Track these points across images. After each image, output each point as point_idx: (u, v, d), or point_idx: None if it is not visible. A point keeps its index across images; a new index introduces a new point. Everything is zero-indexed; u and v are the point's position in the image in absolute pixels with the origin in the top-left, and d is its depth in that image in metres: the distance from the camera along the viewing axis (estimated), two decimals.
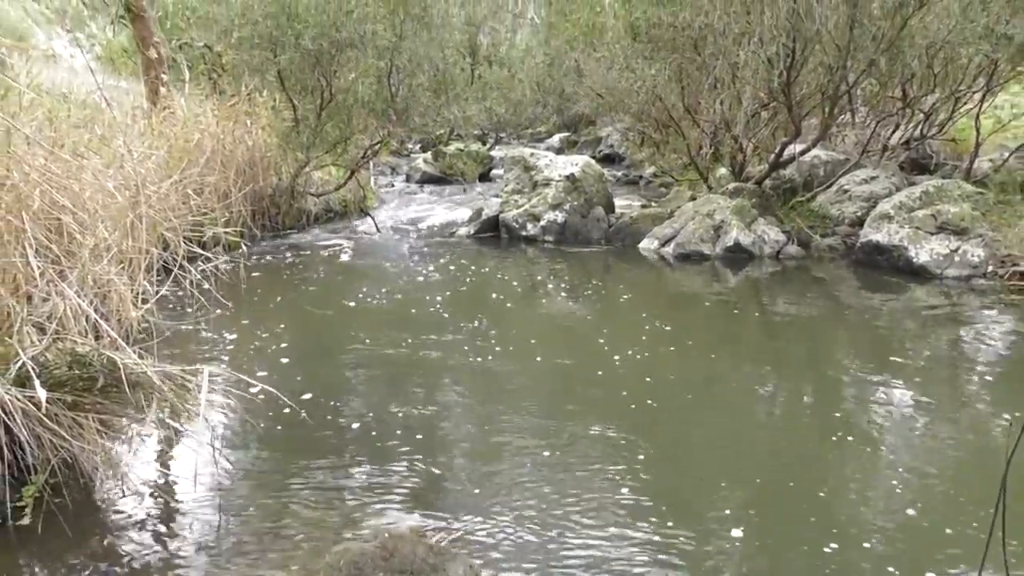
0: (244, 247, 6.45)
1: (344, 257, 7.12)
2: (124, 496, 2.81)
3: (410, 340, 4.59)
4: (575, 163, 8.29)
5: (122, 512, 2.72)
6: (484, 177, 12.43)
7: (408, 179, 12.23)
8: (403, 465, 3.08)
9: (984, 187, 7.13)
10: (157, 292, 4.19)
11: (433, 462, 3.11)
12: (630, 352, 4.38)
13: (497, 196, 9.16)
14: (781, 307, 5.62)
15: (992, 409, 3.67)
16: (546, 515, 2.71)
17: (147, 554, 2.48)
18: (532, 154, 8.65)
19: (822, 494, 2.85)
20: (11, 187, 3.22)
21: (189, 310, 4.89)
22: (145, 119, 6.81)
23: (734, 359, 4.45)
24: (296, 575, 2.35)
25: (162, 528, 2.63)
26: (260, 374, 3.95)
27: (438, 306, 5.41)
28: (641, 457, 3.14)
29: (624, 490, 2.87)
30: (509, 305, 5.62)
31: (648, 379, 3.99)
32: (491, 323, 4.97)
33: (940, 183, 6.82)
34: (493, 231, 8.18)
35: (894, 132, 8.82)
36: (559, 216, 7.88)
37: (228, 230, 5.65)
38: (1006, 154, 8.04)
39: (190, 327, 4.63)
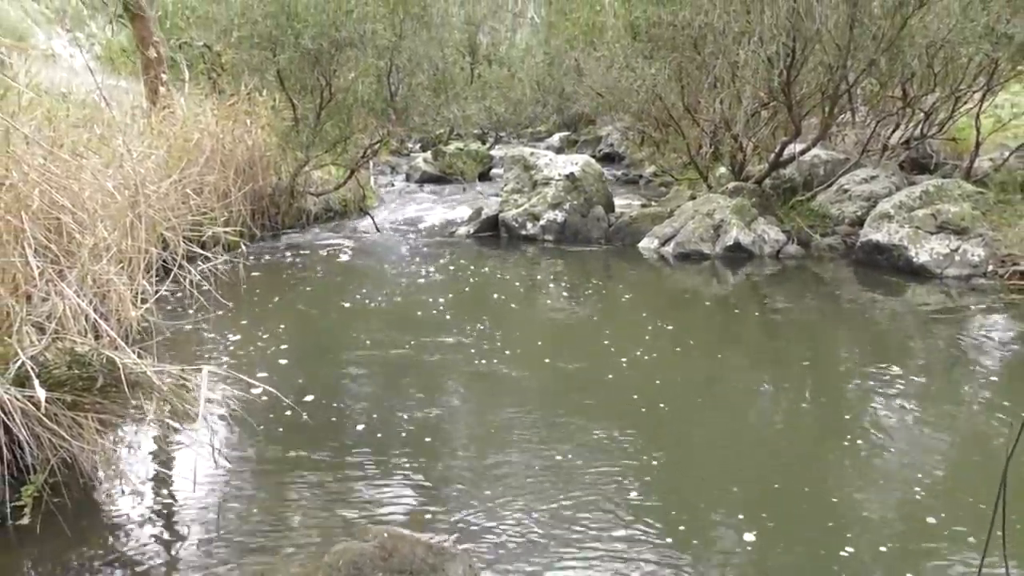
0: (244, 247, 6.44)
1: (344, 256, 7.11)
2: (123, 496, 2.81)
3: (411, 341, 4.58)
4: (575, 162, 8.29)
5: (121, 512, 2.71)
6: (484, 176, 12.42)
7: (408, 178, 12.22)
8: (406, 467, 3.08)
9: (984, 186, 7.13)
10: (156, 292, 4.18)
11: (436, 462, 3.11)
12: (638, 353, 4.37)
13: (497, 195, 9.16)
14: (782, 307, 5.62)
15: (996, 408, 3.67)
16: (552, 516, 2.69)
17: (146, 554, 2.48)
18: (532, 153, 8.65)
19: (835, 499, 2.83)
20: (10, 187, 3.22)
21: (189, 310, 4.89)
22: (144, 119, 6.80)
23: (738, 360, 4.45)
24: (296, 575, 2.34)
25: (161, 528, 2.63)
26: (260, 374, 3.94)
27: (439, 306, 5.41)
28: (651, 459, 3.12)
29: (633, 493, 2.85)
30: (511, 305, 5.62)
31: (657, 381, 3.97)
32: (493, 324, 4.96)
33: (940, 182, 6.81)
34: (493, 230, 8.18)
35: (894, 131, 8.81)
36: (559, 215, 7.88)
37: (228, 230, 5.64)
38: (1006, 153, 8.04)
39: (190, 327, 4.63)
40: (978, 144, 7.82)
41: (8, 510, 2.59)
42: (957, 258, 6.13)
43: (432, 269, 6.57)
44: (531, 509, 2.74)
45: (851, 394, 3.90)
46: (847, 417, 3.56)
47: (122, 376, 2.63)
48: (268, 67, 7.66)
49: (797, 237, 7.27)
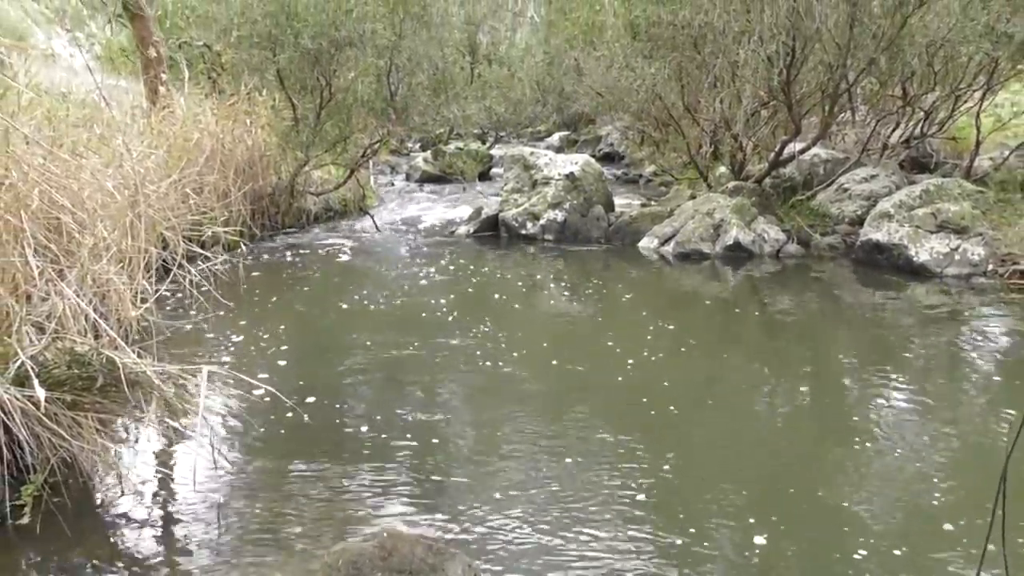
0: (243, 246, 6.45)
1: (344, 256, 7.11)
2: (123, 495, 2.81)
3: (412, 341, 4.58)
4: (575, 162, 8.29)
5: (121, 511, 2.71)
6: (484, 176, 12.42)
7: (408, 178, 12.22)
8: (407, 467, 3.08)
9: (984, 186, 7.13)
10: (156, 291, 4.18)
11: (439, 463, 3.11)
12: (644, 353, 4.35)
13: (497, 195, 9.16)
14: (782, 307, 5.62)
15: (998, 407, 3.67)
16: (559, 518, 2.67)
17: (146, 553, 2.48)
18: (532, 153, 8.65)
19: (845, 501, 2.80)
20: (10, 186, 3.22)
21: (189, 310, 4.88)
22: (144, 118, 6.80)
23: (742, 360, 4.43)
24: (295, 575, 2.35)
25: (161, 527, 2.63)
26: (260, 373, 3.94)
27: (440, 306, 5.40)
28: (661, 462, 3.09)
29: (642, 496, 2.83)
30: (512, 305, 5.61)
31: (665, 383, 3.95)
32: (496, 324, 4.95)
33: (940, 182, 6.81)
34: (493, 230, 8.18)
35: (894, 130, 8.81)
36: (559, 215, 7.88)
37: (227, 229, 5.64)
38: (1006, 152, 8.04)
39: (190, 327, 4.63)
40: (978, 143, 7.82)
41: (8, 509, 2.60)
42: (957, 257, 6.13)
43: (432, 269, 6.57)
44: (537, 511, 2.72)
45: (855, 395, 3.89)
46: (855, 418, 3.54)
47: (122, 376, 2.63)
48: (268, 67, 7.66)
49: (797, 236, 7.27)
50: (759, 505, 2.78)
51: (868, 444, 3.27)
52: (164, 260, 4.50)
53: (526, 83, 14.67)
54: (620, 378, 4.02)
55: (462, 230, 8.25)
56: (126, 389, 2.65)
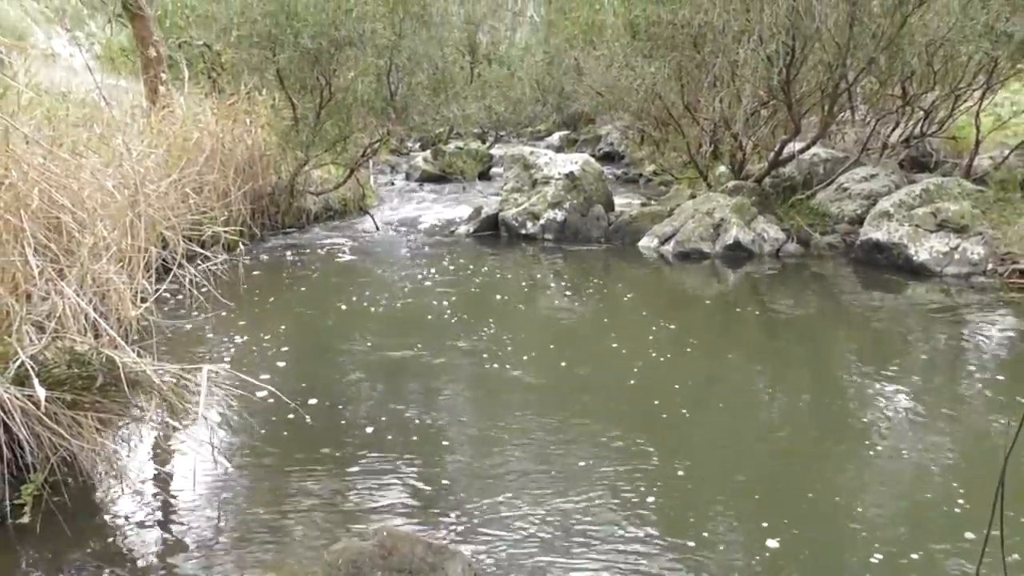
0: (243, 246, 6.45)
1: (344, 256, 7.11)
2: (123, 495, 2.81)
3: (412, 342, 4.58)
4: (575, 161, 8.29)
5: (121, 511, 2.72)
6: (484, 175, 12.43)
7: (408, 177, 12.23)
8: (408, 469, 3.07)
9: (984, 185, 7.13)
10: (156, 291, 4.18)
11: (441, 464, 3.11)
12: (653, 354, 4.33)
13: (497, 194, 9.16)
14: (783, 306, 5.61)
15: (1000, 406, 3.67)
16: (567, 522, 2.65)
17: (146, 553, 2.48)
18: (532, 152, 8.64)
19: (857, 503, 2.78)
20: (10, 186, 3.22)
21: (189, 310, 4.89)
22: (144, 118, 6.80)
23: (747, 361, 4.42)
24: (295, 574, 2.35)
25: (161, 527, 2.63)
26: (260, 373, 3.94)
27: (441, 306, 5.41)
28: (671, 464, 3.05)
29: (651, 498, 2.80)
30: (514, 306, 5.61)
31: (676, 385, 3.91)
32: (497, 324, 4.94)
33: (940, 181, 6.81)
34: (493, 229, 8.18)
35: (894, 130, 8.81)
36: (559, 214, 7.88)
37: (227, 229, 5.65)
38: (1006, 152, 8.03)
39: (189, 326, 4.63)
40: (978, 142, 7.82)
41: (8, 509, 2.60)
42: (957, 256, 6.13)
43: (432, 268, 6.57)
44: (542, 512, 2.70)
45: (859, 396, 3.85)
46: (863, 419, 3.51)
47: (122, 375, 2.63)
48: (268, 66, 7.66)
49: (797, 236, 7.27)
50: (770, 507, 2.74)
51: (877, 445, 3.24)
52: (164, 260, 4.50)
53: (526, 82, 14.68)
54: (625, 379, 3.98)
55: (462, 230, 8.25)
56: (126, 388, 2.66)
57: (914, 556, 2.45)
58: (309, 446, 3.21)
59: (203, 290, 4.59)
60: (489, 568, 2.39)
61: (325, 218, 8.74)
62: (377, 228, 8.40)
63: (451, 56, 9.04)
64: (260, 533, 2.58)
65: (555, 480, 2.94)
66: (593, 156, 10.10)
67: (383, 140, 9.07)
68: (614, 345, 4.52)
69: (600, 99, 11.17)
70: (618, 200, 8.88)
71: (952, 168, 8.31)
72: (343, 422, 3.47)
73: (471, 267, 6.68)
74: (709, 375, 4.18)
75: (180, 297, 4.99)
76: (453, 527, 2.62)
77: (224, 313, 4.90)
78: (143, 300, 3.97)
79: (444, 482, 2.94)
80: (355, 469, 3.03)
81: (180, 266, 4.22)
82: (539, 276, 6.56)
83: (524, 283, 6.26)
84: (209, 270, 4.62)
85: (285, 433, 3.33)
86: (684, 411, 3.62)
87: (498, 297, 5.82)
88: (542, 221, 7.88)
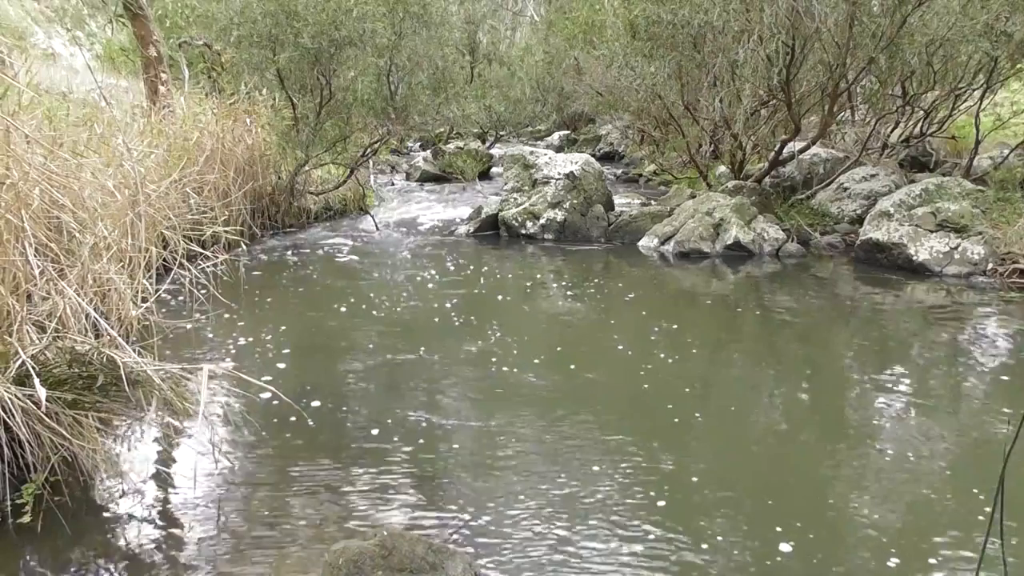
0: (244, 246, 6.45)
1: (344, 256, 7.12)
2: (124, 495, 2.81)
3: (412, 342, 4.58)
4: (574, 161, 8.29)
5: (122, 511, 2.72)
6: (483, 175, 12.44)
7: (408, 177, 12.24)
8: (410, 469, 3.08)
9: (984, 184, 7.14)
10: (157, 291, 4.19)
11: (446, 464, 3.11)
12: (661, 356, 4.31)
13: (496, 194, 9.16)
14: (786, 307, 5.59)
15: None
16: (571, 523, 2.64)
17: (147, 552, 2.48)
18: (531, 152, 8.65)
19: (869, 507, 2.74)
20: (10, 186, 3.22)
21: (189, 309, 4.89)
22: (144, 118, 6.81)
23: (752, 363, 4.39)
24: (296, 574, 2.35)
25: (162, 527, 2.63)
26: (260, 373, 3.95)
27: (441, 306, 5.41)
28: (682, 467, 3.02)
29: (662, 502, 2.76)
30: (514, 307, 5.61)
31: (686, 389, 3.87)
32: (498, 325, 4.93)
33: (940, 181, 6.82)
34: (493, 229, 8.18)
35: (894, 130, 8.83)
36: (558, 214, 7.88)
37: (228, 229, 5.64)
38: (1006, 151, 8.05)
39: (190, 326, 4.63)
40: (978, 142, 7.83)
41: (9, 508, 2.60)
42: (957, 256, 6.13)
43: (433, 269, 6.57)
44: (547, 514, 2.68)
45: (867, 398, 3.81)
46: (874, 423, 3.50)
47: (122, 375, 2.63)
48: (268, 66, 7.66)
49: (797, 235, 7.28)
50: (783, 511, 2.71)
51: (889, 449, 3.22)
52: (164, 259, 4.50)
53: (526, 82, 14.69)
54: (634, 381, 3.95)
55: (462, 229, 8.25)
56: (127, 388, 2.66)
57: (931, 561, 2.42)
58: (309, 446, 3.21)
59: (203, 290, 4.59)
60: (491, 569, 2.39)
61: (325, 218, 8.74)
62: (377, 228, 8.40)
63: (451, 56, 9.04)
64: (261, 533, 2.59)
65: (563, 483, 2.91)
66: (593, 156, 10.11)
67: (383, 140, 9.07)
68: (619, 347, 4.50)
69: (600, 99, 11.19)
70: (618, 200, 8.89)
71: (952, 168, 8.33)
72: (343, 422, 3.47)
73: (472, 267, 6.68)
74: (717, 377, 4.15)
75: (180, 296, 4.99)
76: (454, 528, 2.62)
77: (225, 312, 4.90)
78: (144, 300, 3.98)
79: (448, 483, 2.94)
80: (356, 469, 3.03)
81: (180, 266, 4.22)
82: (540, 276, 6.56)
83: (525, 283, 6.26)
84: (209, 270, 4.62)
85: (285, 433, 3.33)
86: (697, 414, 3.56)
87: (500, 298, 5.82)
88: (542, 221, 7.89)
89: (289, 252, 7.13)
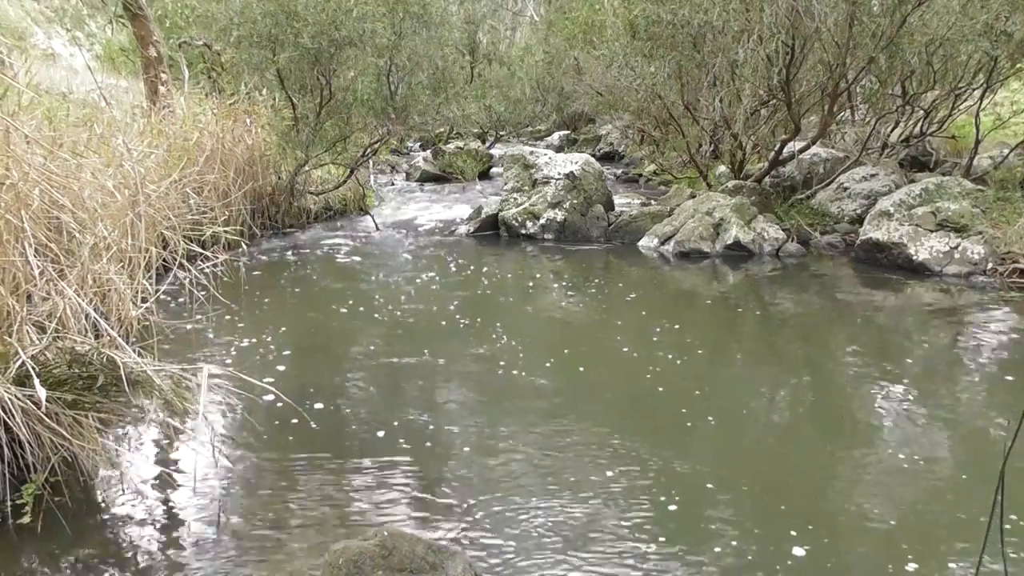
0: (244, 246, 6.46)
1: (344, 256, 7.12)
2: (124, 495, 2.81)
3: (413, 344, 4.58)
4: (574, 161, 8.29)
5: (122, 511, 2.72)
6: (483, 175, 12.44)
7: (408, 177, 12.24)
8: (410, 470, 3.08)
9: (984, 184, 7.13)
10: (157, 291, 4.19)
11: (446, 464, 3.11)
12: (669, 357, 4.29)
13: (496, 194, 9.16)
14: (786, 307, 5.59)
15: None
16: (576, 525, 2.62)
17: (147, 553, 2.48)
18: (531, 152, 8.65)
19: (881, 510, 2.72)
20: (10, 186, 3.22)
21: (189, 309, 4.89)
22: (144, 118, 6.81)
23: (757, 364, 4.38)
24: (296, 574, 2.35)
25: (162, 527, 2.63)
26: (260, 373, 3.95)
27: (442, 307, 5.40)
28: (697, 471, 2.98)
29: (673, 507, 2.73)
30: (516, 308, 5.60)
31: (696, 392, 3.83)
32: (500, 325, 4.92)
33: (940, 180, 6.81)
34: (493, 229, 8.18)
35: (894, 129, 8.83)
36: (558, 214, 7.88)
37: (228, 229, 5.65)
38: (1006, 151, 8.05)
39: (190, 326, 4.63)
40: (978, 142, 7.83)
41: (9, 509, 2.60)
42: (957, 256, 6.13)
43: (433, 269, 6.57)
44: (557, 519, 2.66)
45: (875, 399, 3.78)
46: (880, 423, 3.49)
47: (122, 375, 2.63)
48: (268, 66, 7.66)
49: (797, 235, 7.28)
50: (797, 515, 2.68)
51: (896, 450, 3.19)
52: (164, 260, 4.50)
53: (526, 82, 14.69)
54: (643, 384, 3.92)
55: (462, 229, 8.25)
56: (127, 388, 2.66)
57: (952, 566, 2.39)
58: (310, 446, 3.21)
59: (203, 290, 4.59)
60: (492, 571, 2.39)
61: (325, 218, 8.74)
62: (377, 228, 8.40)
63: (451, 56, 9.04)
64: (261, 533, 2.59)
65: (570, 486, 2.88)
66: (593, 156, 10.11)
67: (383, 140, 9.07)
68: (624, 349, 4.47)
69: (600, 99, 11.19)
70: (618, 200, 8.88)
71: (952, 167, 8.32)
72: (347, 424, 3.47)
73: (472, 267, 6.68)
74: (724, 379, 4.10)
75: (180, 296, 4.99)
76: (456, 528, 2.62)
77: (225, 313, 4.90)
78: (143, 300, 3.98)
79: (454, 484, 2.93)
80: (356, 469, 3.03)
81: (180, 266, 4.22)
82: (541, 276, 6.56)
83: (526, 283, 6.26)
84: (209, 270, 4.62)
85: (285, 433, 3.33)
86: (709, 418, 3.50)
87: (501, 298, 5.82)
88: (542, 221, 7.89)
89: (289, 252, 7.13)
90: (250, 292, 5.63)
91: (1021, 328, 4.87)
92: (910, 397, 3.78)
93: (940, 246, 6.21)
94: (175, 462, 3.12)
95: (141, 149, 5.15)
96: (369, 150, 8.79)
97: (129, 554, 2.48)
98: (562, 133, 17.18)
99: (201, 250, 4.75)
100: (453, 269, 6.57)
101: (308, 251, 7.22)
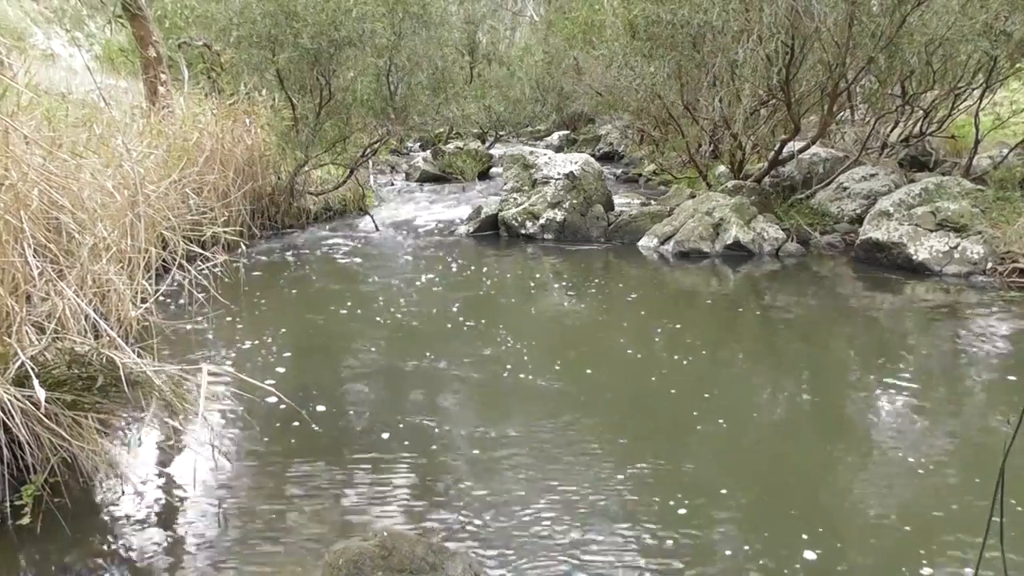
0: (243, 246, 6.45)
1: (344, 257, 7.11)
2: (124, 496, 2.81)
3: (415, 345, 4.57)
4: (574, 161, 8.29)
5: (122, 512, 2.71)
6: (483, 175, 12.43)
7: (407, 178, 12.24)
8: (415, 473, 3.07)
9: (983, 184, 7.13)
10: (156, 291, 4.18)
11: (449, 465, 3.11)
12: (675, 357, 4.28)
13: (496, 194, 9.16)
14: (787, 307, 5.57)
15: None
16: (581, 527, 2.61)
17: (147, 553, 2.48)
18: (531, 152, 8.65)
19: (894, 513, 2.69)
20: (10, 187, 3.22)
21: (189, 310, 4.88)
22: (144, 118, 6.81)
23: (761, 365, 4.37)
24: (295, 574, 2.35)
25: (162, 528, 2.63)
26: (261, 374, 3.94)
27: (443, 307, 5.40)
28: (707, 474, 2.96)
29: (683, 511, 2.70)
30: (518, 308, 5.59)
31: (706, 395, 3.79)
32: (501, 326, 4.91)
33: (939, 180, 6.81)
34: (492, 229, 8.18)
35: (893, 129, 8.83)
36: (558, 214, 7.88)
37: (227, 229, 5.64)
38: (1005, 151, 8.05)
39: (190, 327, 4.63)
40: (977, 141, 7.83)
41: (8, 510, 2.60)
42: (956, 255, 6.13)
43: (433, 269, 6.57)
44: (563, 521, 2.65)
45: (874, 399, 3.79)
46: (883, 424, 3.46)
47: (122, 376, 2.63)
48: (267, 66, 7.66)
49: (796, 235, 7.28)
50: (804, 517, 2.67)
51: (900, 451, 3.18)
52: (164, 260, 4.50)
53: (525, 82, 14.69)
54: (644, 385, 3.90)
55: (462, 229, 8.25)
56: (126, 389, 2.66)
57: (967, 571, 2.37)
58: (311, 448, 3.21)
59: (203, 291, 4.58)
60: (493, 572, 2.39)
61: (325, 218, 8.74)
62: (377, 228, 8.40)
63: (451, 56, 9.04)
64: (261, 533, 2.58)
65: (575, 488, 2.87)
66: (593, 156, 10.10)
67: (383, 140, 9.07)
68: (628, 350, 4.45)
69: (600, 99, 11.19)
70: (618, 200, 8.88)
71: (951, 167, 8.32)
72: (346, 424, 3.46)
73: (472, 267, 6.67)
74: (730, 381, 4.07)
75: (180, 296, 4.99)
76: (457, 529, 2.62)
77: (225, 313, 4.90)
78: (143, 300, 3.97)
79: (457, 485, 2.92)
80: (357, 471, 3.03)
81: (180, 267, 4.22)
82: (541, 276, 6.55)
83: (527, 284, 6.26)
84: (209, 270, 4.61)
85: (285, 434, 3.33)
86: (720, 420, 3.46)
87: (502, 299, 5.81)
88: (542, 221, 7.88)
89: (289, 253, 7.13)
90: (250, 293, 5.62)
91: (1021, 328, 4.87)
92: (911, 397, 3.77)
93: (940, 246, 6.21)
94: (175, 463, 3.12)
95: (140, 149, 5.15)
96: (369, 150, 8.79)
97: (129, 555, 2.47)
98: (562, 133, 17.18)
99: (201, 250, 4.74)
100: (453, 270, 6.56)
101: (308, 251, 7.21)
